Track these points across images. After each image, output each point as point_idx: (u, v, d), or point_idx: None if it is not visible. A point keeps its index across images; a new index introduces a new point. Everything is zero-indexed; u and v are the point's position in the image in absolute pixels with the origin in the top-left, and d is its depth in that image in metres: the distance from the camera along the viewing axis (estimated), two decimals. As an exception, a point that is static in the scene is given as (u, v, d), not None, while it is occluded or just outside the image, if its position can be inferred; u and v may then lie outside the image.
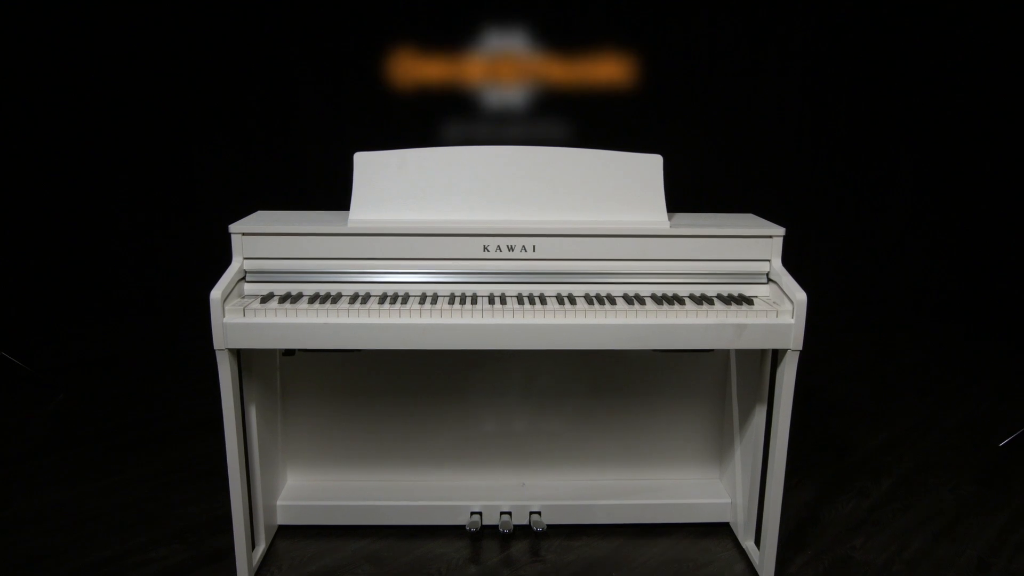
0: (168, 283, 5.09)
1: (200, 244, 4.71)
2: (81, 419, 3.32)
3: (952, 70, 5.16)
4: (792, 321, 2.00)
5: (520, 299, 2.07)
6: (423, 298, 2.06)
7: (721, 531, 2.47)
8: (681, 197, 2.57)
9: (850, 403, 3.64)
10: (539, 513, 2.40)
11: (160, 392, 3.65)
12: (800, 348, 2.01)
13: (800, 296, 2.00)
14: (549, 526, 2.43)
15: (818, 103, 5.20)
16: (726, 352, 2.48)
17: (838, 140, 5.29)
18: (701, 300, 2.08)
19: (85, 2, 4.73)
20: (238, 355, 2.03)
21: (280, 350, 2.34)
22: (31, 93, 4.78)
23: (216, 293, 1.94)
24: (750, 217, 2.40)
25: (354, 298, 2.04)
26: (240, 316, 1.95)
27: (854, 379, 4.00)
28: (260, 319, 1.95)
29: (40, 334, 4.48)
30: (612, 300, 2.07)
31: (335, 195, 2.67)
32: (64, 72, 4.81)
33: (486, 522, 2.39)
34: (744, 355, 2.37)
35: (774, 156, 5.25)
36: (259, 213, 2.35)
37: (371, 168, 2.19)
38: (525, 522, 2.40)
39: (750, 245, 2.18)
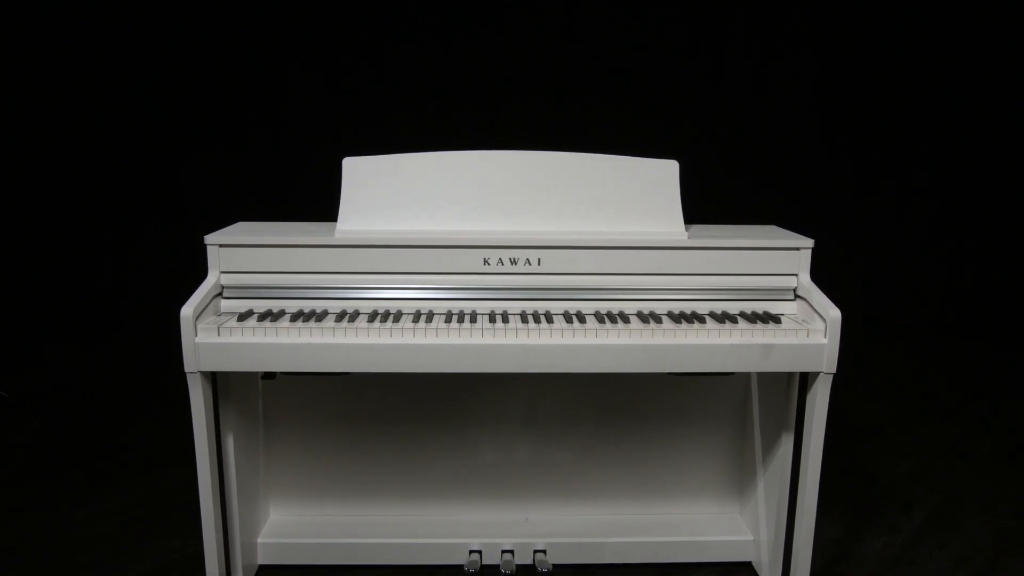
0: (148, 300, 4.94)
1: (182, 258, 4.56)
2: (53, 447, 3.18)
3: (975, 76, 5.05)
4: (825, 341, 1.86)
5: (524, 317, 1.94)
6: (417, 316, 1.93)
7: (743, 571, 2.33)
8: (690, 207, 2.43)
9: (872, 427, 3.49)
10: (544, 552, 2.27)
11: (137, 417, 3.51)
12: (834, 371, 1.87)
13: (834, 314, 1.86)
14: (555, 566, 2.28)
15: (831, 108, 5.10)
16: (746, 375, 2.33)
17: (851, 146, 5.19)
18: (723, 318, 1.94)
19: (66, 9, 4.61)
20: (213, 378, 1.89)
21: (260, 373, 2.20)
22: (11, 98, 4.64)
23: (187, 310, 1.81)
24: (773, 228, 2.27)
25: (341, 316, 1.91)
26: (214, 335, 1.81)
27: (875, 400, 3.85)
28: (236, 339, 1.82)
29: (13, 355, 4.32)
30: (625, 318, 1.94)
31: (328, 205, 2.52)
32: (45, 76, 4.69)
33: (486, 561, 2.26)
34: (766, 379, 2.24)
35: (786, 165, 5.13)
36: (239, 224, 2.23)
37: (361, 175, 2.09)
38: (529, 561, 2.26)
39: (775, 258, 2.06)
